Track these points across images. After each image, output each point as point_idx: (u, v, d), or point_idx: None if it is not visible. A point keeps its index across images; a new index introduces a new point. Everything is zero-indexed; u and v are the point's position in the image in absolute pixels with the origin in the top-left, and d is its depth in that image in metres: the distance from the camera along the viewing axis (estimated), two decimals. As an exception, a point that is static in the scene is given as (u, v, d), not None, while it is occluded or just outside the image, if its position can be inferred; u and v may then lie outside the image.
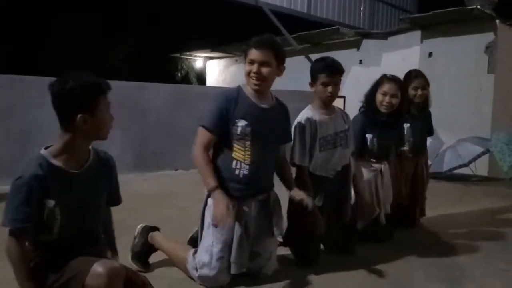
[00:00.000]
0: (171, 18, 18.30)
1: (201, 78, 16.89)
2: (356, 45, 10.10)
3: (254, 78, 2.78)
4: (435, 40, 8.79)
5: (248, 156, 2.77)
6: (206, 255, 2.76)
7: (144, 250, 3.12)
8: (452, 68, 8.32)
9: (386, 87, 3.72)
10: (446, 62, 8.44)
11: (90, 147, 2.14)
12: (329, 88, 3.20)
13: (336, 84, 3.24)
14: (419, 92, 4.16)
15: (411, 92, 4.17)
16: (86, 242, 2.10)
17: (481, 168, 7.43)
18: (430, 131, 4.50)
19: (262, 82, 2.78)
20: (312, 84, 3.29)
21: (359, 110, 3.89)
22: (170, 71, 19.36)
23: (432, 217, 4.64)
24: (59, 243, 2.02)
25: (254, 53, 2.77)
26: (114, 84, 7.70)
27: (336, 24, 11.92)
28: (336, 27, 10.05)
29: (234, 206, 2.70)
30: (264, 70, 2.76)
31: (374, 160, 3.80)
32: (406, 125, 4.13)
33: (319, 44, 10.74)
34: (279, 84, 9.17)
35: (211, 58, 14.19)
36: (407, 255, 3.49)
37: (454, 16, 8.16)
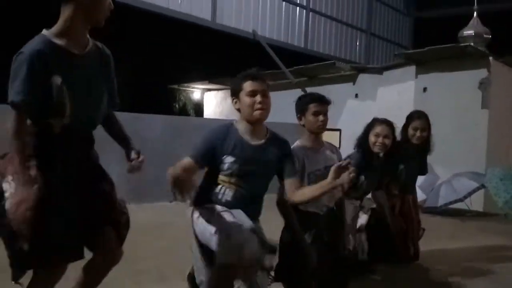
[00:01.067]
0: (169, 49, 18.53)
1: (198, 109, 17.00)
2: (352, 79, 10.23)
3: (259, 107, 2.74)
4: (429, 75, 8.92)
5: (234, 188, 2.74)
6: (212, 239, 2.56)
7: None
8: (447, 103, 8.42)
9: (378, 129, 3.81)
10: (441, 97, 8.54)
11: (88, 36, 2.11)
12: (321, 117, 3.22)
13: (326, 114, 3.26)
14: (418, 133, 4.18)
15: (410, 132, 4.20)
16: (85, 139, 2.17)
17: (476, 203, 7.43)
18: (423, 171, 4.51)
19: (267, 111, 2.78)
20: (300, 117, 3.30)
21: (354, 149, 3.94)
22: (168, 102, 19.49)
23: (427, 252, 4.62)
24: (64, 132, 2.02)
25: (254, 85, 2.76)
26: (112, 114, 7.62)
27: (332, 58, 12.11)
28: (332, 62, 10.20)
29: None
30: (266, 99, 2.78)
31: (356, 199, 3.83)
32: (401, 166, 4.16)
33: (316, 78, 10.88)
34: (276, 117, 9.23)
35: (209, 89, 14.31)
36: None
37: (448, 53, 8.30)
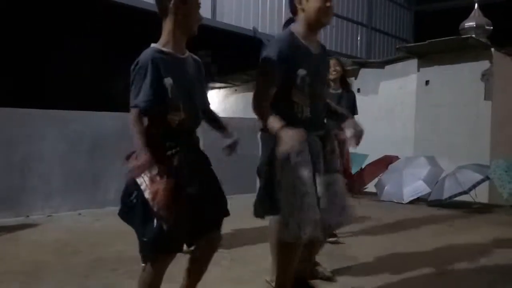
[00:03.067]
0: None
1: (200, 108, 16.95)
2: (354, 74, 10.22)
3: (328, 12, 2.67)
4: (431, 68, 8.89)
5: (308, 100, 2.71)
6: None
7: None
8: (449, 96, 8.40)
9: None
10: (443, 89, 8.52)
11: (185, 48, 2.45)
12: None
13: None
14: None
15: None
16: (194, 132, 2.47)
17: (481, 195, 7.41)
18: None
19: (331, 17, 2.79)
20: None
21: None
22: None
23: (433, 245, 4.62)
24: (179, 127, 2.32)
25: None
26: (115, 116, 7.72)
27: (333, 53, 12.06)
28: (333, 57, 10.15)
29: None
30: (332, 4, 2.68)
31: None
32: None
33: (317, 74, 10.84)
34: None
35: (211, 88, 14.31)
36: (408, 282, 3.46)
37: (449, 45, 8.28)
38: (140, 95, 2.21)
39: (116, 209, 2.43)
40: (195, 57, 2.54)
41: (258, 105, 2.68)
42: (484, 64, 8.24)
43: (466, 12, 10.81)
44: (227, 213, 2.50)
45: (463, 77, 8.38)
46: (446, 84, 8.54)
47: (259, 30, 11.46)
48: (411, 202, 7.22)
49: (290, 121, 2.57)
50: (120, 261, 3.89)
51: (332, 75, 4.68)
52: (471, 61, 8.34)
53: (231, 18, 10.99)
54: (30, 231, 4.23)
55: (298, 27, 2.76)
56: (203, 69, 2.56)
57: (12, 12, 10.59)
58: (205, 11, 10.31)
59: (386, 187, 7.59)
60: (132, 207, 2.27)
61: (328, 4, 2.66)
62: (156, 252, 2.24)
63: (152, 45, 2.34)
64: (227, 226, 2.69)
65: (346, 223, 2.93)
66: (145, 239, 2.22)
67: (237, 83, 12.74)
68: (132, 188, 2.27)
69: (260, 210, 2.75)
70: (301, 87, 2.69)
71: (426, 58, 8.95)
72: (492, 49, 8.31)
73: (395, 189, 7.44)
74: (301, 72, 2.67)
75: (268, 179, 2.68)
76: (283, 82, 2.67)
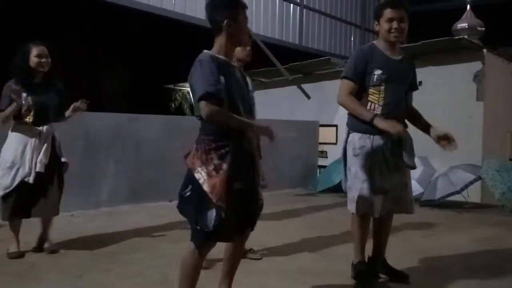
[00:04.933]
0: (164, 49, 18.48)
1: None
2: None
3: (395, 32, 3.27)
4: (424, 69, 8.90)
5: (382, 99, 3.31)
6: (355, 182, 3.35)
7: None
8: (442, 96, 8.43)
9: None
10: (436, 90, 8.55)
11: None
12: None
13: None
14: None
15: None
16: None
17: (473, 195, 7.46)
18: None
19: (401, 35, 3.32)
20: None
21: None
22: (164, 102, 19.44)
23: (426, 244, 4.65)
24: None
25: (392, 12, 3.26)
26: (108, 116, 7.73)
27: (327, 54, 12.11)
28: (327, 58, 10.19)
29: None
30: (403, 25, 3.28)
31: None
32: None
33: (311, 74, 10.87)
34: (271, 114, 9.21)
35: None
36: (402, 284, 3.48)
37: (442, 46, 8.32)
38: (205, 83, 2.43)
39: (109, 209, 2.45)
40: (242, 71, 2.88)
41: (343, 101, 3.40)
42: (476, 65, 8.28)
43: (458, 14, 10.88)
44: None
45: (455, 78, 8.43)
46: (439, 84, 8.57)
47: (253, 31, 11.46)
48: (404, 202, 7.24)
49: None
50: (114, 262, 3.89)
51: None
52: (464, 62, 8.39)
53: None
54: (22, 232, 4.21)
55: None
56: (250, 82, 2.89)
57: (1, 12, 10.52)
58: (199, 12, 10.34)
59: (379, 188, 7.61)
60: (189, 200, 2.52)
61: (395, 26, 3.31)
62: (214, 240, 2.52)
63: (206, 51, 2.61)
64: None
65: (411, 212, 3.54)
66: (198, 227, 2.47)
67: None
68: (189, 182, 2.52)
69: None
70: (376, 86, 3.32)
71: (419, 59, 8.96)
72: (484, 50, 8.36)
73: (388, 190, 7.46)
74: (377, 71, 3.30)
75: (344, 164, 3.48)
76: (361, 82, 3.35)
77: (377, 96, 3.31)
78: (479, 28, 10.51)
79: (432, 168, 7.55)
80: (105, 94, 18.29)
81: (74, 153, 6.29)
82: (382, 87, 3.30)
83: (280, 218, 5.94)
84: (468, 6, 10.81)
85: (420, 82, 8.98)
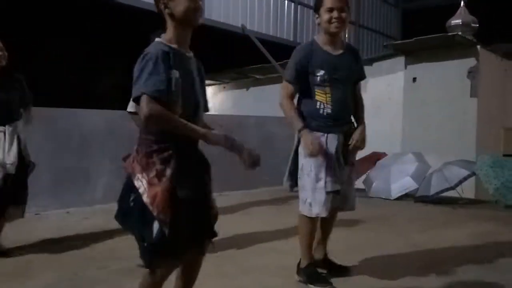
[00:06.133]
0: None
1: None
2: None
3: (335, 22, 3.14)
4: (418, 66, 8.96)
5: (329, 98, 3.22)
6: (307, 180, 3.25)
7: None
8: (436, 93, 8.47)
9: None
10: (430, 86, 8.59)
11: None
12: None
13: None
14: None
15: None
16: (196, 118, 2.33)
17: (467, 191, 7.49)
18: None
19: (343, 26, 3.19)
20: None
21: None
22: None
23: (421, 240, 4.67)
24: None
25: (332, 2, 3.14)
26: (102, 113, 7.69)
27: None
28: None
29: (317, 139, 3.18)
30: (344, 15, 3.16)
31: None
32: None
33: (306, 71, 10.85)
34: (266, 111, 9.21)
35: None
36: (397, 278, 3.50)
37: (436, 42, 8.35)
38: (149, 82, 2.09)
39: (104, 207, 2.44)
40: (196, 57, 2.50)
41: (282, 105, 3.36)
42: (470, 62, 8.32)
43: (452, 10, 10.89)
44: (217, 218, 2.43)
45: (449, 74, 8.46)
46: (433, 81, 8.61)
47: (248, 27, 11.46)
48: (399, 198, 7.28)
49: (314, 118, 3.24)
50: (110, 259, 3.88)
51: None
52: (458, 58, 8.42)
53: (220, 15, 10.97)
54: (18, 230, 4.20)
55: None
56: (203, 71, 2.50)
57: (1, 12, 10.46)
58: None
59: (374, 184, 7.64)
60: (130, 211, 2.16)
61: (336, 15, 3.15)
62: (158, 257, 2.14)
63: (157, 39, 2.27)
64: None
65: (353, 209, 3.51)
66: (145, 244, 2.14)
67: (225, 81, 12.72)
68: (129, 191, 2.16)
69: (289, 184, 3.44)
70: (321, 86, 3.22)
71: (413, 55, 9.01)
72: (478, 47, 8.39)
73: (383, 186, 7.49)
74: (320, 72, 3.18)
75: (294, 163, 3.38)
76: (303, 83, 3.27)
77: (324, 96, 3.22)
78: (473, 25, 10.53)
79: (426, 164, 7.57)
80: (99, 92, 18.22)
81: (69, 150, 6.28)
82: (327, 88, 3.21)
83: (276, 215, 5.95)
84: (462, 3, 10.83)
85: (414, 79, 9.16)
